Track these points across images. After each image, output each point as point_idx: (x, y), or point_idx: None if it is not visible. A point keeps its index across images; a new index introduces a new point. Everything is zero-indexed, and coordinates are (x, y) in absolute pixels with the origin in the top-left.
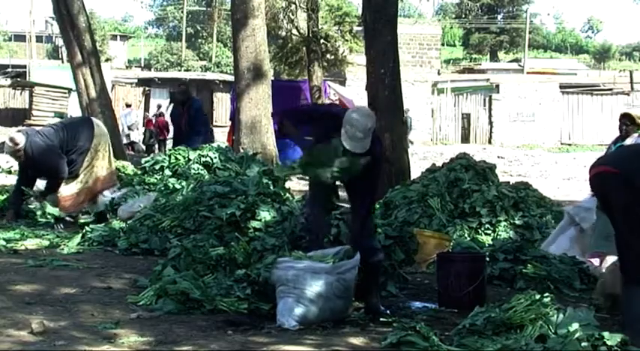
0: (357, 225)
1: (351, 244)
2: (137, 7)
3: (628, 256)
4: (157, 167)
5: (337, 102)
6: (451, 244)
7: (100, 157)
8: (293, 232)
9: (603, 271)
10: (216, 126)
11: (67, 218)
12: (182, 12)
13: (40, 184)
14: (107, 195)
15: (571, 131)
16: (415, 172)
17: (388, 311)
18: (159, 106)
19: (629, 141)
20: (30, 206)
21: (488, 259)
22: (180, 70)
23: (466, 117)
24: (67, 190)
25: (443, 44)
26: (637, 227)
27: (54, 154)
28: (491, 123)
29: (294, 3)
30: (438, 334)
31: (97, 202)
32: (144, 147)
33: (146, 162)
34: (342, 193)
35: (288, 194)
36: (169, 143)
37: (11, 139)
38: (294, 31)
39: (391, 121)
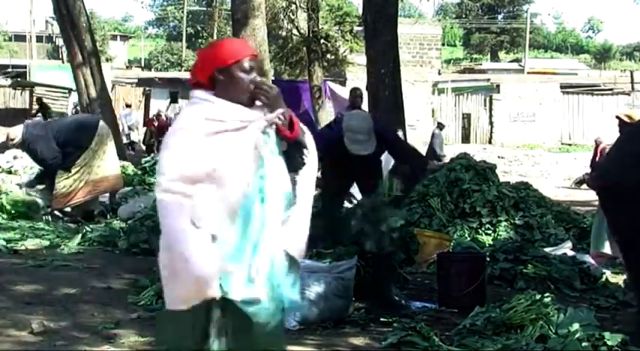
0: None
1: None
2: (137, 7)
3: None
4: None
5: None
6: (451, 244)
7: (100, 157)
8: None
9: (603, 271)
10: None
11: (57, 212)
12: (182, 12)
13: (25, 177)
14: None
15: (571, 131)
16: None
17: (403, 302)
18: (159, 114)
19: None
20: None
21: (488, 259)
22: (180, 70)
23: (466, 117)
24: (61, 189)
25: (443, 44)
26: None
27: (43, 142)
28: (491, 123)
29: (295, 3)
30: (438, 334)
31: (96, 201)
32: (144, 147)
33: (146, 162)
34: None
35: None
36: None
37: (7, 135)
38: (295, 31)
39: (391, 121)
